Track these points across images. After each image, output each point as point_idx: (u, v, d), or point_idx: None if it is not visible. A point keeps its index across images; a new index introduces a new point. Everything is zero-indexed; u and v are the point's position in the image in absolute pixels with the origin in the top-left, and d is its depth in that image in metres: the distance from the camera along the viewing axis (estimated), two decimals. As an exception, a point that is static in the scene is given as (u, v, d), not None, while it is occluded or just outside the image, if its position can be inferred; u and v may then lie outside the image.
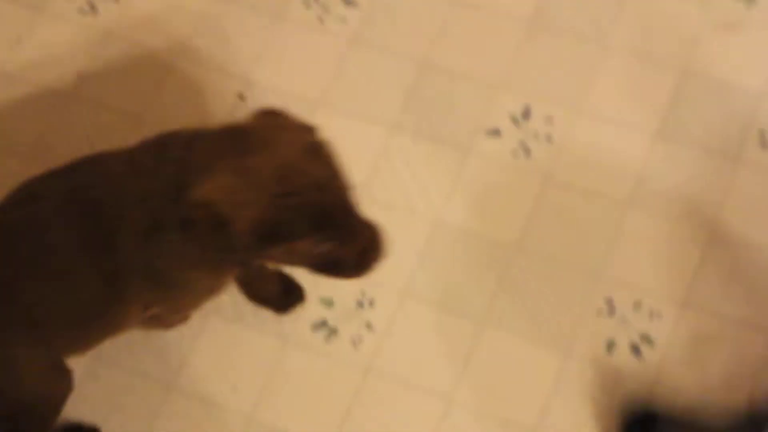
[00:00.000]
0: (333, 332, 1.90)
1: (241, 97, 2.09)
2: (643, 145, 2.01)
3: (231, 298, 1.91)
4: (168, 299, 1.65)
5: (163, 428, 1.86)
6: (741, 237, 1.93)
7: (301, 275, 1.88)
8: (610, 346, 1.86)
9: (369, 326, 1.90)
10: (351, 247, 1.46)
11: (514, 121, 2.05)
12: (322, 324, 1.91)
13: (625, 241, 1.94)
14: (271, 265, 1.77)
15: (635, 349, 1.86)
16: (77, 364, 1.68)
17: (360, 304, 1.91)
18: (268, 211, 1.40)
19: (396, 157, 2.04)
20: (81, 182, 1.54)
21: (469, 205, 1.98)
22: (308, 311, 1.91)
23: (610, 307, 1.89)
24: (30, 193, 1.58)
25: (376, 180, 2.02)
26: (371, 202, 1.98)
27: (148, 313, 1.66)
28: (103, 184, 1.52)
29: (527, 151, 2.03)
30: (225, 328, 1.91)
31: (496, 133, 2.05)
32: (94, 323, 1.61)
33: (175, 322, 1.86)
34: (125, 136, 1.63)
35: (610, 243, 1.94)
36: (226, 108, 2.08)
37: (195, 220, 1.43)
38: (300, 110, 2.00)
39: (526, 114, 2.06)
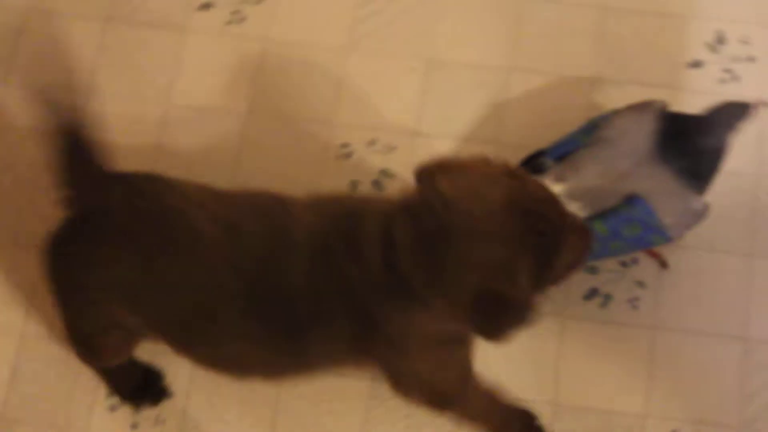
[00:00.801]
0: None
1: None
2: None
3: None
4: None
5: None
6: (455, 62, 2.05)
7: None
8: (354, 185, 1.96)
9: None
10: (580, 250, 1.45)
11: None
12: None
13: (349, 85, 2.03)
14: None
15: (377, 184, 1.96)
16: None
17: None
18: (536, 267, 1.34)
19: (115, 49, 2.05)
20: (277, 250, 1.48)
21: (196, 83, 2.03)
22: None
23: (348, 150, 1.98)
24: (228, 224, 1.50)
25: (100, 76, 2.03)
26: (96, 94, 2.00)
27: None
28: (295, 264, 1.46)
29: (241, 18, 2.07)
30: None
31: (207, 6, 2.08)
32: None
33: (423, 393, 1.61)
34: None
35: (337, 89, 2.02)
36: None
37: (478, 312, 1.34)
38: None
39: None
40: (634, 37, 2.02)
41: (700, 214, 1.75)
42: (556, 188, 1.73)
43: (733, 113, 1.73)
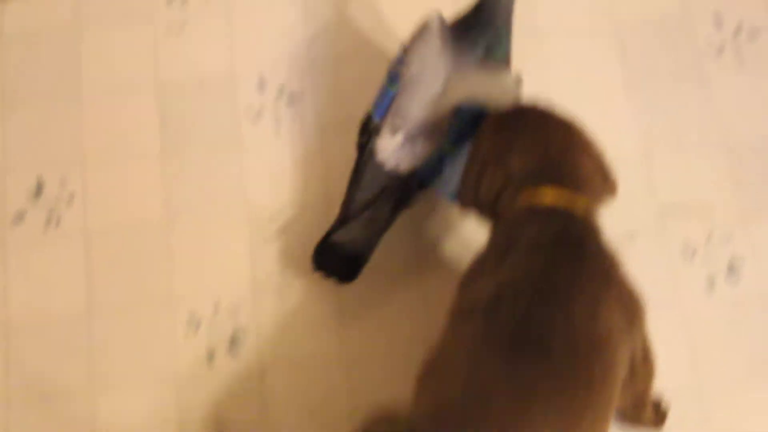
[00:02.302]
0: None
1: None
2: (153, 167, 2.14)
3: None
4: None
5: None
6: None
7: None
8: (211, 353, 2.00)
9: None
10: None
11: (33, 196, 2.10)
12: None
13: (179, 257, 2.07)
14: None
15: (234, 342, 2.00)
16: None
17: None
18: None
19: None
20: None
21: (25, 294, 2.04)
22: None
23: (195, 320, 2.02)
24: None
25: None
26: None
27: None
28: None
29: (58, 219, 2.09)
30: None
31: (22, 216, 2.09)
32: None
33: None
34: None
35: (169, 264, 2.06)
36: None
37: None
38: None
39: (41, 186, 2.11)
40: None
41: (518, 83, 1.90)
42: (396, 139, 1.84)
43: None
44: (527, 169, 1.64)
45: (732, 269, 2.01)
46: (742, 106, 2.13)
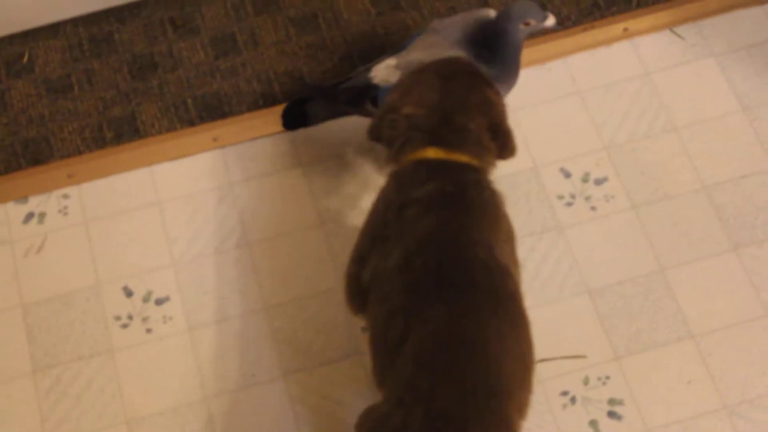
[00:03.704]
0: None
1: None
2: (26, 387, 2.10)
3: None
4: None
5: None
6: (154, 413, 2.09)
7: None
8: None
9: None
10: None
11: None
12: None
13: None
14: None
15: None
16: None
17: None
18: None
19: None
20: None
21: None
22: None
23: None
24: None
25: None
26: None
27: None
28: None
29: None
30: None
31: None
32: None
33: None
34: None
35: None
36: None
37: None
38: None
39: None
40: None
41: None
42: (390, 62, 2.12)
43: (525, 11, 2.07)
44: (416, 121, 1.79)
45: (613, 410, 2.04)
46: (597, 250, 2.20)
